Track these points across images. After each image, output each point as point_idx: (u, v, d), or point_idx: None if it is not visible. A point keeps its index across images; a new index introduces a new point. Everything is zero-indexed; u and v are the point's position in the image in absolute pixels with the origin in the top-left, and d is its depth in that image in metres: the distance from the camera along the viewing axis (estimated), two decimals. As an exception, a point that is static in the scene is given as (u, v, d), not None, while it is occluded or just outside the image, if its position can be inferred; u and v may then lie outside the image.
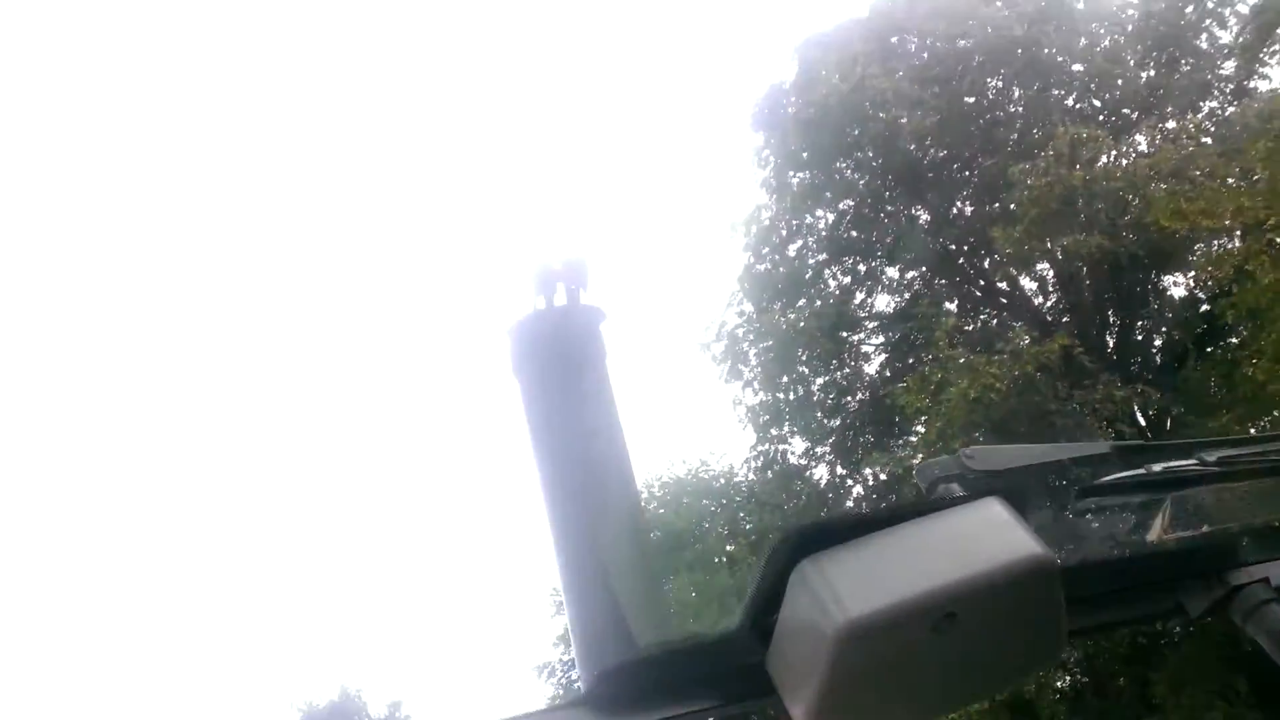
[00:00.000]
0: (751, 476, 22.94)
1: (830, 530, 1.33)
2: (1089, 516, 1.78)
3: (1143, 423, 18.02)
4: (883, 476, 20.41)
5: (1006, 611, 1.23)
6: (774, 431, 21.12)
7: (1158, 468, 1.77)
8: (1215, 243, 17.24)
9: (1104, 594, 1.57)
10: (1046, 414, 17.34)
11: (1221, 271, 14.76)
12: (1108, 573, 1.64)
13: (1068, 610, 1.24)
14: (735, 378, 21.07)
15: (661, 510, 23.87)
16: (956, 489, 1.59)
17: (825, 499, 20.45)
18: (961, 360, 16.44)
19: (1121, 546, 1.88)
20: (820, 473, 21.09)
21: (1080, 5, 17.95)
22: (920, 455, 19.03)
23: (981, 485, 1.53)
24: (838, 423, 20.50)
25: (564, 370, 3.87)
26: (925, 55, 18.92)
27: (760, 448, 21.30)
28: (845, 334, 20.34)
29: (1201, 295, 17.54)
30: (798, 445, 21.21)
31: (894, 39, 19.32)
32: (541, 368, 3.93)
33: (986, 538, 1.26)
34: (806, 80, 20.23)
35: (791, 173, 20.53)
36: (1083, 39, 17.88)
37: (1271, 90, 15.96)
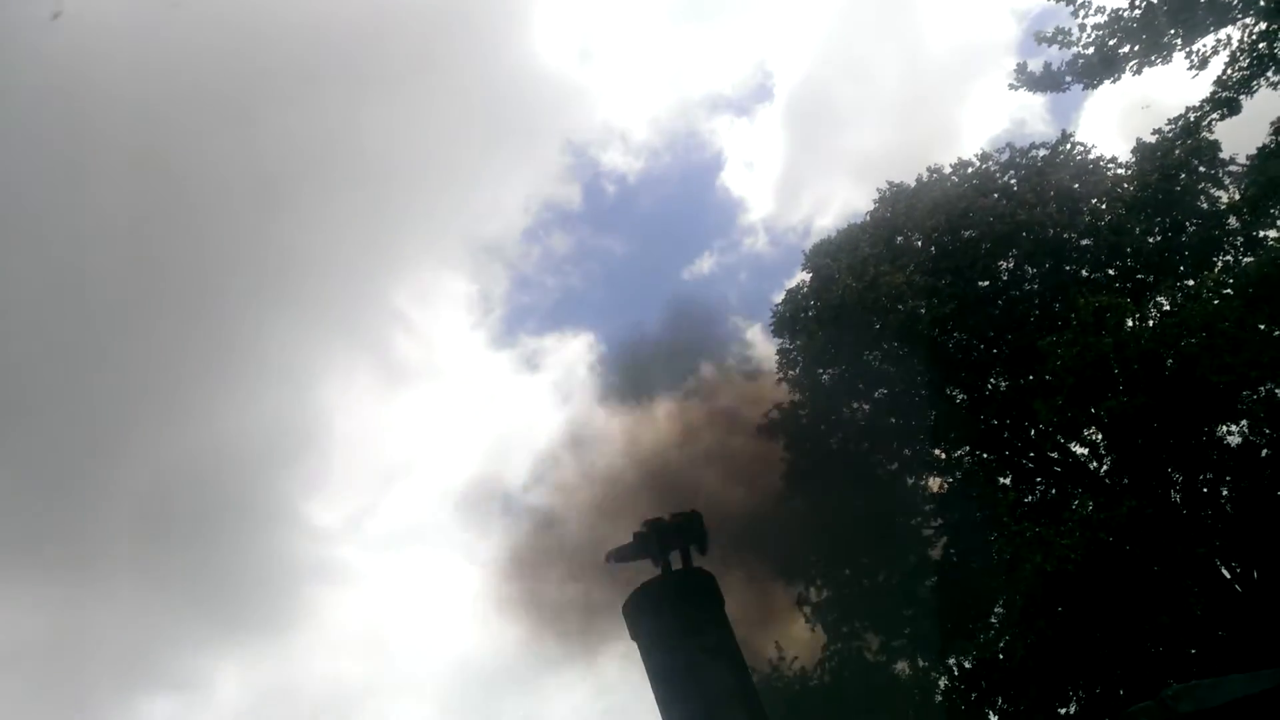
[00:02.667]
0: (827, 679, 21.94)
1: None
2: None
3: (1227, 575, 17.34)
4: (967, 665, 19.52)
5: None
6: (844, 629, 20.45)
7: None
8: (1262, 389, 17.23)
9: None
10: (1126, 580, 16.78)
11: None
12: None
13: None
14: (796, 574, 20.67)
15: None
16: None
17: (910, 694, 19.48)
18: (1029, 534, 16.11)
19: None
20: (900, 666, 20.19)
21: (1076, 186, 18.85)
22: (1006, 638, 18.28)
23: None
24: (911, 613, 19.83)
25: (684, 629, 3.93)
26: (932, 250, 19.77)
27: (833, 647, 20.55)
28: (901, 519, 20.08)
29: (1258, 441, 17.31)
30: (872, 641, 20.46)
31: (899, 239, 20.31)
32: (661, 635, 3.98)
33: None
34: (821, 282, 21.15)
35: (820, 370, 21.01)
36: (1086, 215, 18.67)
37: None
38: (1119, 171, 19.06)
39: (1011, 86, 14.14)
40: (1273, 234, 16.81)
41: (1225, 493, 17.58)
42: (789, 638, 25.38)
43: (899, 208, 20.84)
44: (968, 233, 19.70)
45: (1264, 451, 16.71)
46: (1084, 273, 18.75)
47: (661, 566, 4.06)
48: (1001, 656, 18.16)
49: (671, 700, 3.67)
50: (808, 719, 23.38)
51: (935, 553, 20.00)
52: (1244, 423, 17.10)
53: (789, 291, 22.45)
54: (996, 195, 19.36)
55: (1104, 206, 18.47)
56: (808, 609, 20.71)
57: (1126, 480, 18.09)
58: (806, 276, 22.12)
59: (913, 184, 21.32)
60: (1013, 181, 20.17)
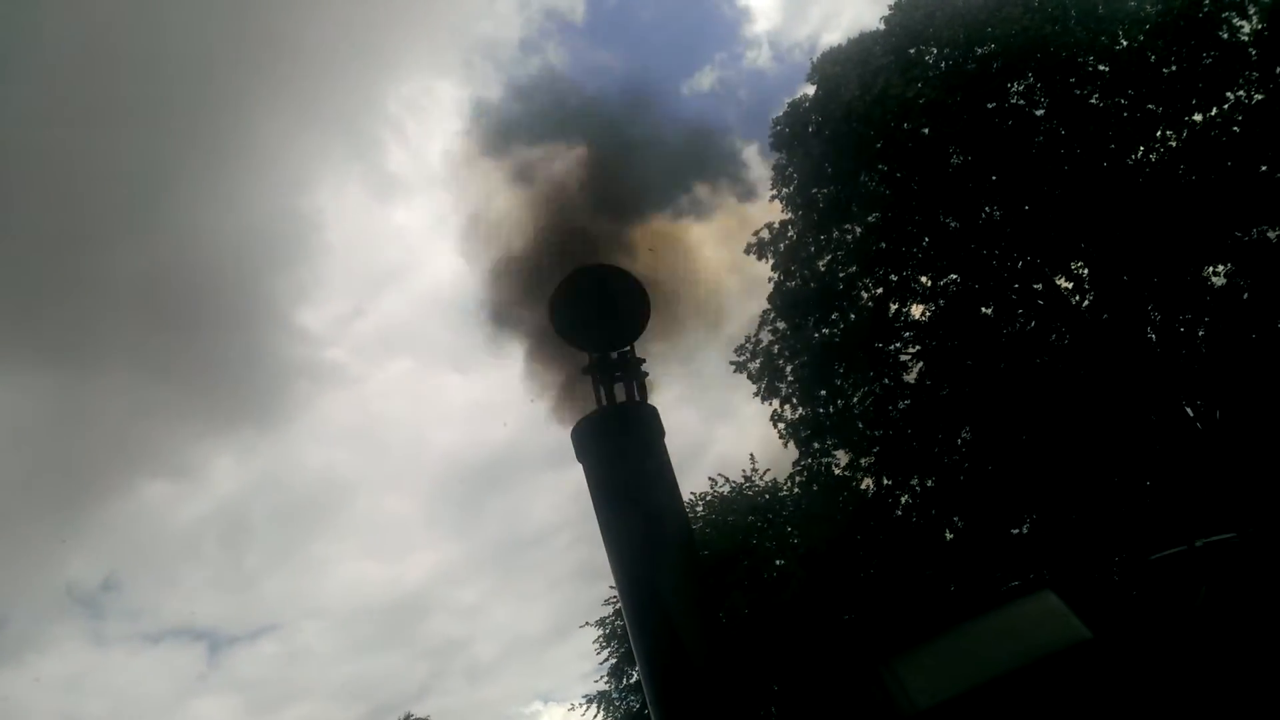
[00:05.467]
0: (796, 491, 22.94)
1: (909, 634, 1.51)
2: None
3: (1190, 413, 17.85)
4: (929, 484, 20.37)
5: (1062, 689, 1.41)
6: (816, 446, 21.10)
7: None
8: (1254, 230, 17.09)
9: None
10: (1090, 411, 17.28)
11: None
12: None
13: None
14: (773, 394, 21.10)
15: (708, 530, 23.92)
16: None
17: (873, 510, 20.38)
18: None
19: None
20: (866, 484, 21.02)
21: (1100, 7, 17.84)
22: (966, 465, 19.01)
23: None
24: (880, 434, 20.44)
25: (626, 457, 4.09)
26: (945, 64, 18.88)
27: (803, 462, 21.29)
28: (881, 345, 20.30)
29: (1241, 284, 17.34)
30: (841, 458, 21.19)
31: (913, 50, 19.30)
32: (603, 456, 4.16)
33: (1043, 625, 1.44)
34: (826, 95, 20.26)
35: (816, 188, 20.56)
36: (1104, 38, 17.77)
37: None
38: (1146, -8, 17.99)
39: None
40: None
41: (1201, 334, 17.79)
42: (764, 451, 26.42)
43: (917, 16, 19.71)
44: (981, 49, 18.79)
45: (1245, 295, 16.77)
46: (1094, 99, 18.07)
47: (607, 399, 4.18)
48: (963, 479, 18.95)
49: (611, 518, 3.98)
50: (776, 525, 24.79)
51: (910, 377, 20.38)
52: (1229, 264, 17.06)
53: (791, 104, 21.57)
54: (1020, 10, 18.27)
55: (1123, 30, 17.55)
56: (782, 425, 21.29)
57: (1106, 316, 18.25)
58: (811, 90, 21.24)
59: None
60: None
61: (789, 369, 20.96)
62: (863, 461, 20.82)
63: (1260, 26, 16.02)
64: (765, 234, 21.23)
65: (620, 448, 4.09)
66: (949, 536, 19.46)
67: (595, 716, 24.69)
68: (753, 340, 21.21)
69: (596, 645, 24.91)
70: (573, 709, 26.37)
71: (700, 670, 3.64)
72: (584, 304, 4.00)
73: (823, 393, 20.69)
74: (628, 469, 4.03)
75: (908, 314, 20.37)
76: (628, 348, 3.95)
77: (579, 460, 4.21)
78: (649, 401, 4.21)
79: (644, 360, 4.10)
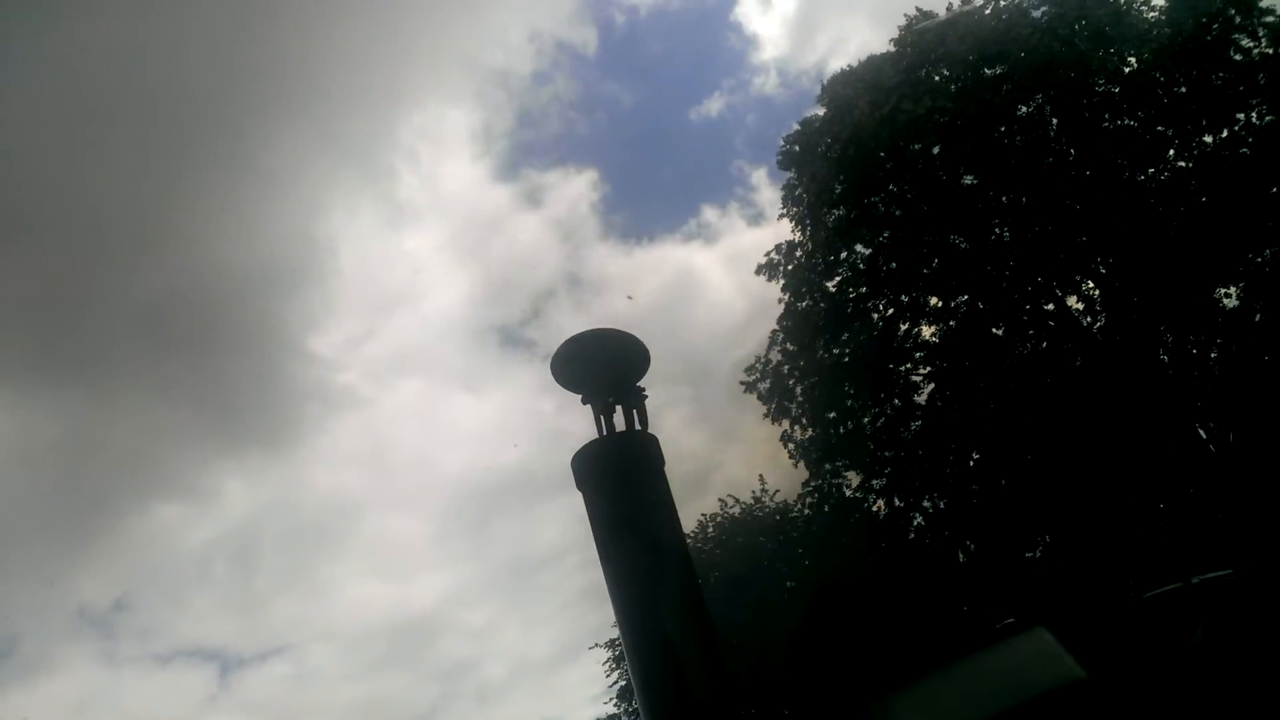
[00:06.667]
0: (807, 512, 22.84)
1: (903, 670, 1.50)
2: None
3: (1203, 435, 17.69)
4: (942, 505, 20.23)
5: None
6: (827, 467, 21.03)
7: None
8: (1267, 251, 16.99)
9: None
10: (1102, 434, 17.16)
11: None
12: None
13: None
14: (783, 415, 21.07)
15: (718, 551, 23.83)
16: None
17: (885, 532, 20.25)
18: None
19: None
20: (878, 505, 20.90)
21: (1108, 28, 17.84)
22: (976, 487, 18.88)
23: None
24: (891, 454, 20.34)
25: (626, 486, 4.10)
26: (955, 85, 18.90)
27: (814, 483, 21.20)
28: (892, 365, 20.23)
29: (1254, 305, 17.23)
30: (852, 479, 21.11)
31: (923, 71, 19.33)
32: (603, 485, 4.17)
33: (1036, 665, 1.43)
34: (836, 115, 20.30)
35: (826, 209, 20.57)
36: (1114, 59, 17.78)
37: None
38: (1154, 15, 17.98)
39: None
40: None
41: (1214, 355, 17.66)
42: (773, 472, 26.32)
43: (927, 38, 19.73)
44: (991, 70, 18.81)
45: (1257, 316, 16.66)
46: (1105, 120, 18.04)
47: (607, 428, 4.21)
48: (975, 501, 18.81)
49: (611, 548, 3.98)
50: (786, 546, 24.65)
51: (921, 398, 20.29)
52: (1240, 285, 16.96)
53: (802, 122, 21.65)
54: (1029, 31, 18.28)
55: (1133, 51, 17.55)
56: (792, 445, 21.23)
57: (1118, 338, 18.14)
58: (821, 110, 21.29)
59: (942, 13, 20.08)
60: (1044, 18, 19.01)
61: (799, 389, 20.93)
62: (874, 483, 20.73)
63: (1271, 49, 15.98)
64: (775, 255, 21.28)
65: (620, 477, 4.11)
66: (961, 559, 19.30)
67: (603, 740, 24.58)
68: (762, 360, 21.21)
69: (606, 667, 24.82)
70: (581, 733, 26.18)
71: (702, 702, 3.64)
72: (583, 362, 4.08)
73: (832, 414, 20.63)
74: (627, 498, 4.04)
75: (918, 334, 20.29)
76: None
77: (579, 489, 4.24)
78: (649, 430, 4.24)
79: (644, 389, 4.12)
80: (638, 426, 4.09)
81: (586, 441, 4.13)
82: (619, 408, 4.09)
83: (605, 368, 4.06)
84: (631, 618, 3.89)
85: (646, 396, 3.86)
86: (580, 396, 3.84)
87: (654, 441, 4.07)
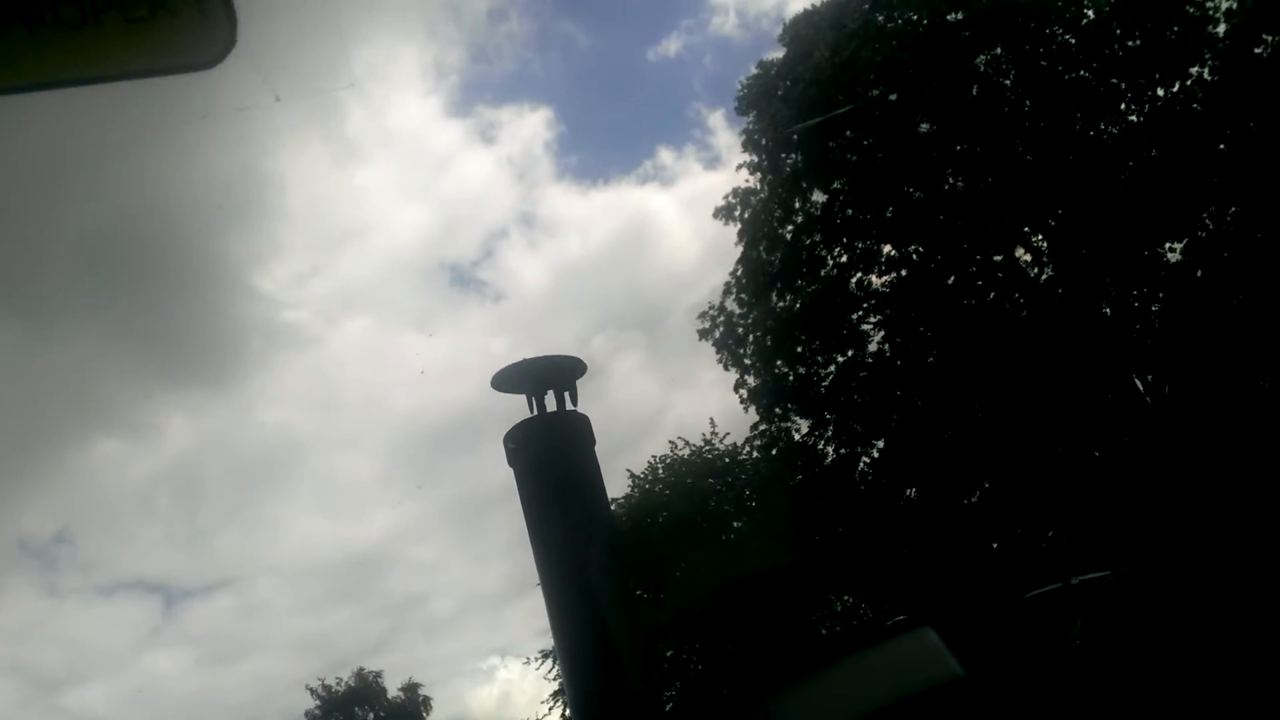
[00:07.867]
0: (756, 455, 23.12)
1: (798, 665, 1.51)
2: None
3: (1140, 388, 18.14)
4: (888, 450, 20.57)
5: None
6: (776, 411, 21.21)
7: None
8: (1212, 207, 17.25)
9: None
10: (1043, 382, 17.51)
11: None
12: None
13: None
14: (735, 362, 21.15)
15: (667, 492, 24.09)
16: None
17: (831, 476, 20.56)
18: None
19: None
20: (825, 450, 21.16)
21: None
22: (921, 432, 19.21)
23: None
24: (842, 400, 20.55)
25: (556, 464, 4.09)
26: (917, 30, 18.68)
27: (763, 427, 21.41)
28: (844, 315, 20.32)
29: (1194, 260, 17.54)
30: (801, 425, 21.32)
31: (885, 14, 19.05)
32: (534, 464, 4.16)
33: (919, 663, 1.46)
34: (797, 58, 20.00)
35: (783, 154, 20.40)
36: (1072, 8, 17.68)
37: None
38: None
39: None
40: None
41: (1155, 309, 18.02)
42: (724, 416, 26.56)
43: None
44: (954, 16, 18.61)
45: (1199, 271, 16.98)
46: (1060, 70, 18.01)
47: (538, 407, 4.17)
48: (919, 448, 19.16)
49: (538, 523, 4.04)
50: (734, 488, 25.02)
51: (871, 347, 20.46)
52: (1185, 239, 17.24)
53: (760, 65, 21.29)
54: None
55: (1090, 4, 17.47)
56: (744, 392, 21.36)
57: (1063, 290, 18.41)
58: (780, 54, 20.95)
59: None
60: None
61: (751, 338, 20.98)
62: (823, 432, 20.96)
63: (1225, 2, 16.01)
64: (732, 199, 21.10)
65: (551, 455, 4.14)
66: (902, 505, 19.73)
67: (551, 670, 25.02)
68: (715, 309, 21.19)
69: (554, 603, 25.16)
70: (528, 663, 26.71)
71: (625, 660, 3.74)
72: (524, 367, 4.11)
73: (782, 363, 20.77)
74: (557, 477, 4.08)
75: (869, 284, 20.39)
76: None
77: (509, 465, 4.24)
78: (579, 410, 4.23)
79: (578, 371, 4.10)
80: (569, 407, 4.07)
81: (519, 420, 4.11)
82: (550, 391, 4.07)
83: (544, 369, 4.05)
84: (559, 592, 3.95)
85: (579, 377, 3.82)
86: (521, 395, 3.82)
87: (585, 421, 4.06)
